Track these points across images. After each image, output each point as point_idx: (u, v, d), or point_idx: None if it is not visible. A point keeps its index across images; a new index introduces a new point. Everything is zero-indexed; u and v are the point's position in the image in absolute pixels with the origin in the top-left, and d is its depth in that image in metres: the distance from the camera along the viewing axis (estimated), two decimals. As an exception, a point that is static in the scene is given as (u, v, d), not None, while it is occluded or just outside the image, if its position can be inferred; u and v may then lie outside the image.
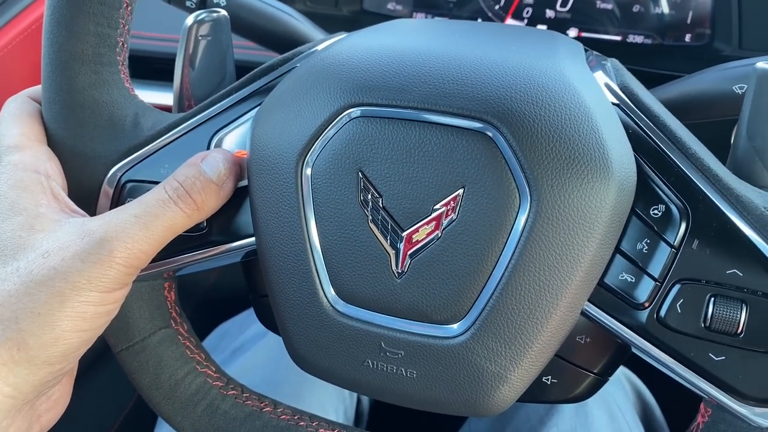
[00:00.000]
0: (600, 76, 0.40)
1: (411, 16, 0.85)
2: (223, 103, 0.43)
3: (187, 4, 0.56)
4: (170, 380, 0.45)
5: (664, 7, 0.75)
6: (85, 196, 0.42)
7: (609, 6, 0.77)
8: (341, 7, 0.85)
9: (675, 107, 0.50)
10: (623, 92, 0.38)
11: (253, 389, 0.47)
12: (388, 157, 0.35)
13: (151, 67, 0.82)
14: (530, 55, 0.38)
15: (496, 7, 0.81)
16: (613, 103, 0.38)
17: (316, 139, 0.36)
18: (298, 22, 0.58)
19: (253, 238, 0.41)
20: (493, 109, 0.34)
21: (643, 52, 0.77)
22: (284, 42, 0.58)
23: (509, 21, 0.81)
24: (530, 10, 0.80)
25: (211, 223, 0.41)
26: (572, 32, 0.80)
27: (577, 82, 0.36)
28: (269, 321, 0.45)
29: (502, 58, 0.36)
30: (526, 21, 0.81)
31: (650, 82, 0.74)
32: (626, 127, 0.37)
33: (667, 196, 0.35)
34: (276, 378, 0.66)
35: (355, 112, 0.36)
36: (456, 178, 0.34)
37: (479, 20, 0.82)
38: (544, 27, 0.80)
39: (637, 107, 0.37)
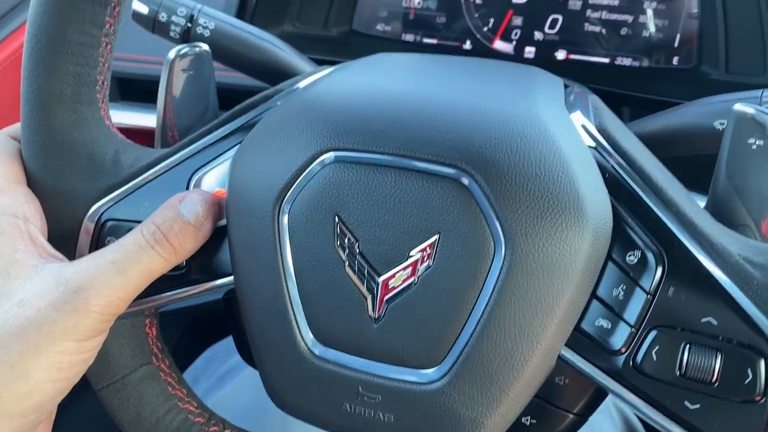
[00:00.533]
0: (577, 117, 0.40)
1: (400, 37, 0.85)
2: (203, 141, 0.43)
3: (171, 34, 0.56)
4: (152, 417, 0.45)
5: (652, 30, 0.76)
6: (65, 236, 0.42)
7: (597, 29, 0.77)
8: (330, 28, 0.85)
9: (657, 141, 0.50)
10: (600, 134, 0.38)
11: (239, 417, 0.47)
12: (364, 203, 0.35)
13: (141, 88, 0.82)
14: (507, 97, 0.38)
15: (485, 28, 0.81)
16: (590, 146, 0.38)
17: (293, 183, 0.37)
18: (282, 51, 0.58)
19: (233, 277, 0.41)
20: (468, 157, 0.34)
21: (631, 74, 0.78)
22: (269, 71, 0.58)
23: (497, 43, 0.81)
24: (518, 32, 0.80)
25: (191, 262, 0.41)
26: (561, 54, 0.80)
27: (552, 127, 0.36)
28: (249, 357, 0.45)
29: (479, 102, 0.36)
30: (514, 43, 0.81)
31: (638, 106, 0.75)
32: (603, 170, 0.37)
33: (642, 241, 0.35)
34: (262, 406, 0.66)
35: (332, 157, 0.36)
36: (431, 224, 0.34)
37: (468, 42, 0.82)
38: (532, 49, 0.80)
39: (614, 150, 0.37)
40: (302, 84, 0.44)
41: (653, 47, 0.76)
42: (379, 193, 0.35)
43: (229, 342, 0.80)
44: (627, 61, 0.78)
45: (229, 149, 0.43)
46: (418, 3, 0.83)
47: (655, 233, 0.35)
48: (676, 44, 0.75)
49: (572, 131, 0.37)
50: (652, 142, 0.48)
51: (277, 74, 0.58)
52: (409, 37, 0.85)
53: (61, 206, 0.42)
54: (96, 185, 0.42)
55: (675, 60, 0.76)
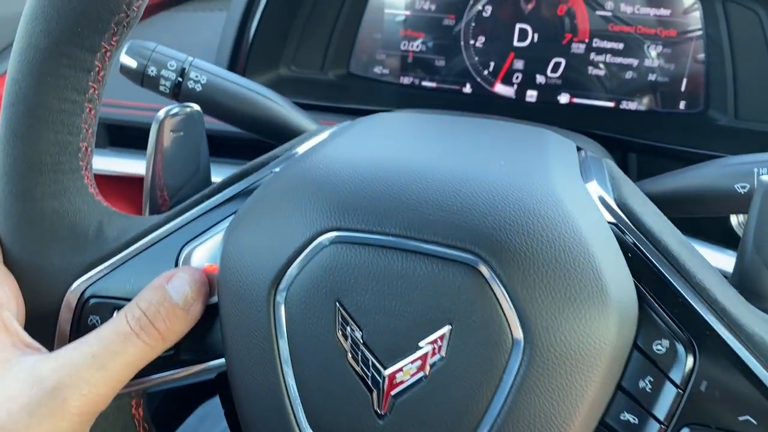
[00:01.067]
0: (594, 188, 0.37)
1: (398, 80, 0.83)
2: (193, 211, 0.40)
3: (161, 89, 0.53)
4: None
5: (658, 74, 0.74)
6: (44, 316, 0.39)
7: (601, 72, 0.76)
8: (327, 72, 0.83)
9: (673, 201, 0.47)
10: (620, 208, 0.36)
11: None
12: (368, 288, 0.32)
13: (131, 134, 0.80)
14: (520, 170, 0.35)
15: (485, 72, 0.79)
16: (610, 222, 0.35)
17: (291, 264, 0.34)
18: (278, 105, 0.55)
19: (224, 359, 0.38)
20: (481, 240, 0.31)
21: (636, 119, 0.76)
22: (265, 127, 0.55)
23: (498, 86, 0.79)
24: (520, 75, 0.78)
25: (180, 343, 0.38)
26: (563, 98, 0.78)
27: (570, 204, 0.33)
28: None
29: (490, 177, 0.34)
30: (516, 86, 0.79)
31: (645, 152, 0.73)
32: (624, 249, 0.34)
33: (671, 329, 0.33)
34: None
35: (333, 237, 0.33)
36: (442, 313, 0.31)
37: (468, 85, 0.80)
38: (534, 93, 0.78)
39: (635, 226, 0.35)
40: (300, 149, 0.42)
41: (659, 91, 0.75)
42: (384, 278, 0.32)
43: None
44: (632, 105, 0.76)
45: (222, 221, 0.40)
46: (417, 46, 0.81)
47: (685, 320, 0.32)
48: (682, 88, 0.73)
49: (591, 206, 0.35)
50: (668, 202, 0.46)
51: (272, 130, 0.55)
52: (407, 80, 0.83)
53: (40, 283, 0.39)
54: (78, 260, 0.39)
55: (682, 105, 0.74)
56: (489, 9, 0.77)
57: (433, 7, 0.78)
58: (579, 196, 0.35)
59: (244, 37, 0.75)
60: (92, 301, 0.39)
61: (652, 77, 0.74)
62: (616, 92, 0.76)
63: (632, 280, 0.33)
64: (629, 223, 0.35)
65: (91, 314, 0.39)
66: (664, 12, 0.71)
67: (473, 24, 0.78)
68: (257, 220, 0.36)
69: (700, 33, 0.70)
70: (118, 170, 0.77)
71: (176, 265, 0.39)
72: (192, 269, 0.38)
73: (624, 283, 0.32)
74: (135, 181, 0.79)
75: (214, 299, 0.39)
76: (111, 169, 0.77)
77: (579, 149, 0.43)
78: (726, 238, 0.64)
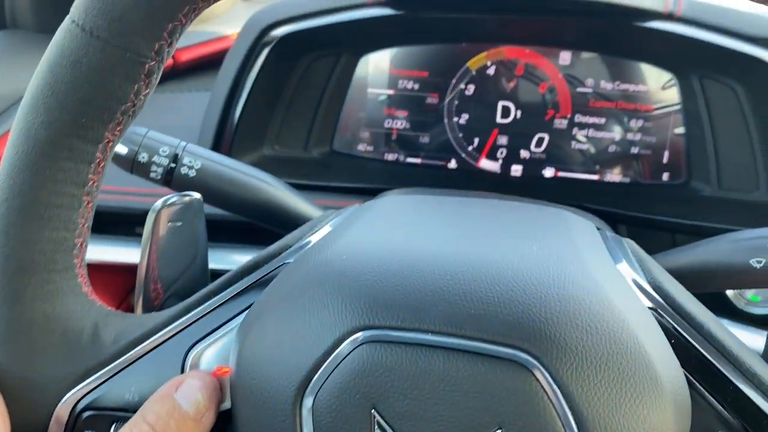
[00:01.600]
0: (626, 270, 0.36)
1: (383, 157, 0.82)
2: (199, 309, 0.37)
3: (152, 175, 0.51)
4: None
5: (640, 147, 0.75)
6: None
7: (584, 146, 0.77)
8: (311, 150, 0.82)
9: (690, 277, 0.47)
10: (656, 292, 0.35)
11: None
12: (406, 392, 0.30)
13: (118, 221, 0.76)
14: (554, 257, 0.34)
15: (470, 147, 0.80)
16: (650, 307, 0.34)
17: (319, 368, 0.31)
18: (276, 189, 0.53)
19: None
20: (529, 335, 0.29)
21: (621, 191, 0.76)
22: (264, 213, 0.53)
23: (483, 161, 0.80)
24: (504, 150, 0.79)
25: None
26: (548, 172, 0.78)
27: (611, 291, 0.32)
28: None
29: (526, 265, 0.32)
30: (500, 161, 0.79)
31: (633, 224, 0.73)
32: (668, 335, 0.33)
33: (724, 419, 0.31)
34: None
35: (364, 336, 0.31)
36: (491, 417, 0.29)
37: (453, 161, 0.80)
38: (519, 167, 0.79)
39: (675, 311, 0.34)
40: (314, 238, 0.40)
41: (642, 163, 0.76)
42: (424, 380, 0.30)
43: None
44: (616, 178, 0.77)
45: (232, 318, 0.37)
46: (401, 123, 0.81)
47: (739, 409, 0.31)
48: (664, 160, 0.75)
49: (629, 292, 0.33)
50: (683, 278, 0.45)
51: (271, 216, 0.53)
52: (391, 157, 0.82)
53: (28, 396, 0.35)
54: (71, 369, 0.35)
55: (665, 176, 0.75)
56: (471, 87, 0.78)
57: (416, 86, 0.79)
58: (616, 281, 0.33)
59: (229, 118, 0.73)
60: (86, 414, 0.35)
61: (634, 150, 0.76)
62: (600, 165, 0.77)
63: (680, 367, 0.31)
64: (668, 307, 0.34)
65: (86, 430, 0.35)
66: (642, 88, 0.74)
67: (456, 102, 0.79)
68: (276, 317, 0.33)
69: (679, 107, 0.72)
70: (104, 259, 0.73)
71: (183, 369, 0.36)
72: (202, 373, 0.35)
73: (675, 373, 0.31)
74: (110, 269, 0.75)
75: (225, 404, 0.35)
76: (96, 258, 0.73)
77: (598, 228, 0.42)
78: (719, 307, 0.64)
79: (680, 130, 0.73)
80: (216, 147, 0.74)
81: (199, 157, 0.51)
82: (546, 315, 0.29)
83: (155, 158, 0.50)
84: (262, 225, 0.54)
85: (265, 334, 0.33)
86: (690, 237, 0.68)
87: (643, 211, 0.72)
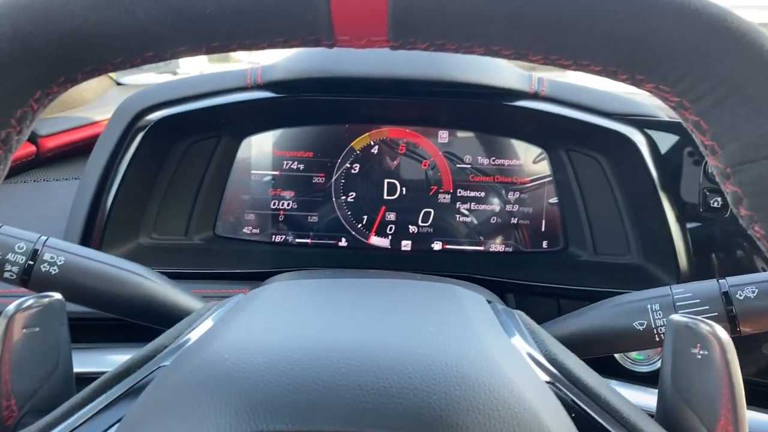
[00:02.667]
0: (520, 344, 0.36)
1: (270, 239, 0.80)
2: (61, 428, 0.32)
3: (6, 275, 0.45)
4: None
5: (519, 217, 0.78)
6: None
7: (468, 219, 0.79)
8: (192, 236, 0.78)
9: (579, 344, 0.48)
10: (552, 365, 0.34)
11: None
12: None
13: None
14: (450, 336, 0.33)
15: (359, 225, 0.79)
16: (547, 382, 0.33)
17: None
18: (152, 282, 0.49)
19: None
20: (430, 425, 0.27)
21: (505, 260, 0.79)
22: (138, 308, 0.48)
23: (373, 238, 0.79)
24: (393, 227, 0.79)
25: None
26: (437, 245, 0.79)
27: (511, 370, 0.31)
28: None
29: (423, 349, 0.31)
30: (390, 237, 0.79)
31: (520, 291, 0.75)
32: (567, 408, 0.32)
33: None
34: None
35: None
36: None
37: (343, 239, 0.79)
38: (408, 242, 0.79)
39: (572, 383, 0.34)
40: (193, 335, 0.36)
41: (522, 233, 0.79)
42: None
43: None
44: (500, 248, 0.79)
45: (102, 434, 0.32)
46: (287, 204, 0.79)
47: None
48: (542, 229, 0.78)
49: (527, 368, 0.33)
50: (574, 344, 0.46)
51: (148, 311, 0.48)
52: (279, 239, 0.80)
53: None
54: None
55: (544, 244, 0.79)
56: (357, 166, 0.78)
57: (301, 167, 0.79)
58: (513, 358, 0.33)
59: (100, 207, 0.68)
60: None
61: (514, 220, 0.79)
62: (484, 236, 0.79)
63: None
64: (564, 379, 0.34)
65: None
66: (516, 162, 0.78)
67: (343, 181, 0.79)
68: (154, 428, 0.29)
69: (551, 179, 0.77)
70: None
71: None
72: None
73: None
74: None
75: None
76: None
77: (489, 301, 0.42)
78: (607, 368, 0.66)
79: (554, 200, 0.77)
80: (85, 239, 0.68)
81: (63, 252, 0.46)
82: (447, 402, 0.28)
83: (10, 256, 0.45)
84: (138, 322, 0.49)
85: (139, 452, 0.29)
86: (573, 301, 0.70)
87: (527, 278, 0.74)
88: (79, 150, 0.82)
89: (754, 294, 0.43)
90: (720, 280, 0.45)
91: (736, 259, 0.67)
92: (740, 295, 0.43)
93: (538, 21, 0.25)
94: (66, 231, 0.69)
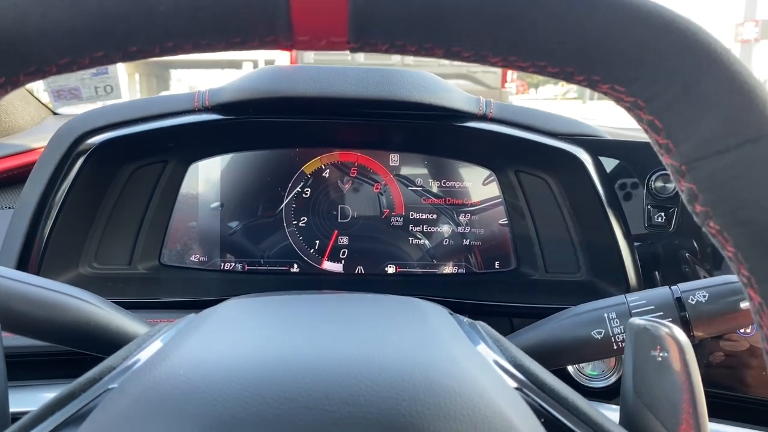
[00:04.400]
0: (486, 352, 0.35)
1: (220, 267, 0.77)
2: None
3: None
4: None
5: (470, 239, 0.79)
6: None
7: (421, 241, 0.79)
8: (136, 265, 0.75)
9: (540, 356, 0.47)
10: (519, 372, 0.34)
11: None
12: None
13: None
14: (414, 342, 0.32)
15: (311, 250, 0.78)
16: (516, 388, 0.33)
17: None
18: (94, 307, 0.46)
19: None
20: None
21: (459, 282, 0.79)
22: (79, 335, 0.45)
23: (326, 263, 0.78)
24: (346, 251, 0.78)
25: None
26: (390, 268, 0.79)
27: (479, 375, 0.30)
28: None
29: (389, 356, 0.30)
30: (343, 262, 0.78)
31: (476, 312, 0.75)
32: (536, 413, 0.32)
33: None
34: None
35: None
36: None
37: (295, 265, 0.78)
38: (361, 266, 0.79)
39: (540, 388, 0.33)
40: (143, 356, 0.34)
41: (474, 254, 0.79)
42: None
43: None
44: (453, 270, 0.79)
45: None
46: (236, 225, 0.77)
47: None
48: (494, 250, 0.79)
49: (494, 374, 0.33)
50: (535, 355, 0.46)
51: (89, 338, 0.45)
52: (228, 266, 0.78)
53: None
54: None
55: (497, 264, 0.79)
56: (308, 191, 0.77)
57: (251, 192, 0.77)
58: (480, 364, 0.32)
59: (37, 235, 0.64)
60: None
61: (466, 242, 0.79)
62: (437, 259, 0.79)
63: None
64: (532, 384, 0.33)
65: None
66: (466, 185, 0.78)
67: (294, 206, 0.77)
68: None
69: (500, 200, 0.78)
70: None
71: None
72: None
73: None
74: None
75: None
76: None
77: (450, 313, 0.41)
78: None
79: (504, 221, 0.78)
80: (20, 269, 0.64)
81: (-4, 277, 0.43)
82: (416, 408, 0.27)
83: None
84: (80, 350, 0.46)
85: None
86: (525, 319, 0.71)
87: (480, 298, 0.74)
88: (13, 179, 0.78)
89: (705, 298, 0.44)
90: (672, 287, 0.46)
91: (681, 272, 0.69)
92: (692, 300, 0.44)
93: (498, 21, 0.26)
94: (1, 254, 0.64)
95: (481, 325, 0.40)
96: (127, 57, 0.27)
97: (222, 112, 0.69)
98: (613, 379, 0.66)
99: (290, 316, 0.37)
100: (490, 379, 0.31)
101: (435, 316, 0.38)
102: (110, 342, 0.46)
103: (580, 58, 0.27)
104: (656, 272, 0.71)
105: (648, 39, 0.26)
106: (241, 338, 0.33)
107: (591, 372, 0.67)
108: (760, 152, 0.24)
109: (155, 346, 0.35)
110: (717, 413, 0.60)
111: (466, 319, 0.41)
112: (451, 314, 0.41)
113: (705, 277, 0.68)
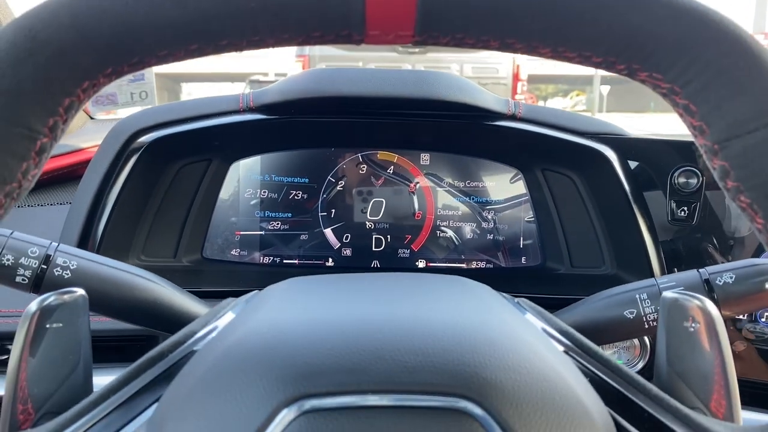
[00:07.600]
0: (533, 320, 0.39)
1: (258, 260, 0.81)
2: (91, 416, 0.33)
3: (18, 279, 0.45)
4: None
5: (497, 235, 0.82)
6: None
7: (450, 237, 0.82)
8: (180, 258, 0.79)
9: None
10: (566, 337, 0.37)
11: None
12: None
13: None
14: (469, 308, 0.35)
15: (345, 245, 0.82)
16: (563, 351, 0.36)
17: None
18: (163, 288, 0.50)
19: None
20: (469, 380, 0.29)
21: (487, 275, 0.82)
22: (149, 314, 0.49)
23: (359, 258, 0.81)
24: (378, 247, 0.82)
25: None
26: (421, 263, 0.82)
27: (531, 337, 0.34)
28: None
29: (451, 318, 0.33)
30: (375, 257, 0.82)
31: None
32: (583, 374, 0.35)
33: None
34: None
35: (300, 407, 0.29)
36: None
37: (330, 259, 0.81)
38: (393, 262, 0.82)
39: (585, 352, 0.36)
40: (220, 323, 0.37)
41: (501, 250, 0.83)
42: None
43: None
44: (481, 264, 0.83)
45: (137, 416, 0.33)
46: (275, 225, 0.81)
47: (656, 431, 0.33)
48: (521, 245, 0.82)
49: (544, 337, 0.36)
50: None
51: (160, 317, 0.49)
52: (266, 260, 0.81)
53: None
54: None
55: (523, 259, 0.82)
56: (344, 189, 0.81)
57: (289, 189, 0.81)
58: (530, 328, 0.36)
59: (92, 230, 0.68)
60: None
61: (493, 238, 0.82)
62: (465, 254, 0.83)
63: (602, 401, 0.33)
64: (578, 349, 0.36)
65: None
66: (493, 183, 0.82)
67: (330, 203, 0.81)
68: (195, 405, 0.31)
69: (527, 198, 0.81)
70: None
71: None
72: None
73: (600, 408, 0.33)
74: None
75: None
76: None
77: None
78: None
79: (531, 218, 0.81)
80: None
81: (75, 257, 0.47)
82: (479, 359, 0.30)
83: (23, 260, 0.45)
84: (147, 328, 0.50)
85: (183, 425, 0.30)
86: (553, 310, 0.74)
87: (508, 292, 0.77)
88: (66, 176, 0.82)
89: (732, 279, 0.47)
90: (700, 270, 0.49)
91: (703, 263, 0.72)
92: (720, 281, 0.47)
93: (551, 14, 0.29)
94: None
95: (523, 300, 0.44)
96: (218, 50, 0.31)
97: (265, 113, 0.73)
98: (639, 366, 0.68)
99: (351, 289, 0.40)
100: (541, 340, 0.34)
101: (481, 289, 0.41)
102: (175, 321, 0.49)
103: (624, 48, 0.30)
104: (680, 264, 0.74)
105: (685, 31, 0.29)
106: (311, 304, 0.36)
107: (618, 361, 0.69)
108: None
109: (229, 316, 0.39)
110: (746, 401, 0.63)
111: (507, 295, 0.44)
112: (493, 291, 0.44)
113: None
